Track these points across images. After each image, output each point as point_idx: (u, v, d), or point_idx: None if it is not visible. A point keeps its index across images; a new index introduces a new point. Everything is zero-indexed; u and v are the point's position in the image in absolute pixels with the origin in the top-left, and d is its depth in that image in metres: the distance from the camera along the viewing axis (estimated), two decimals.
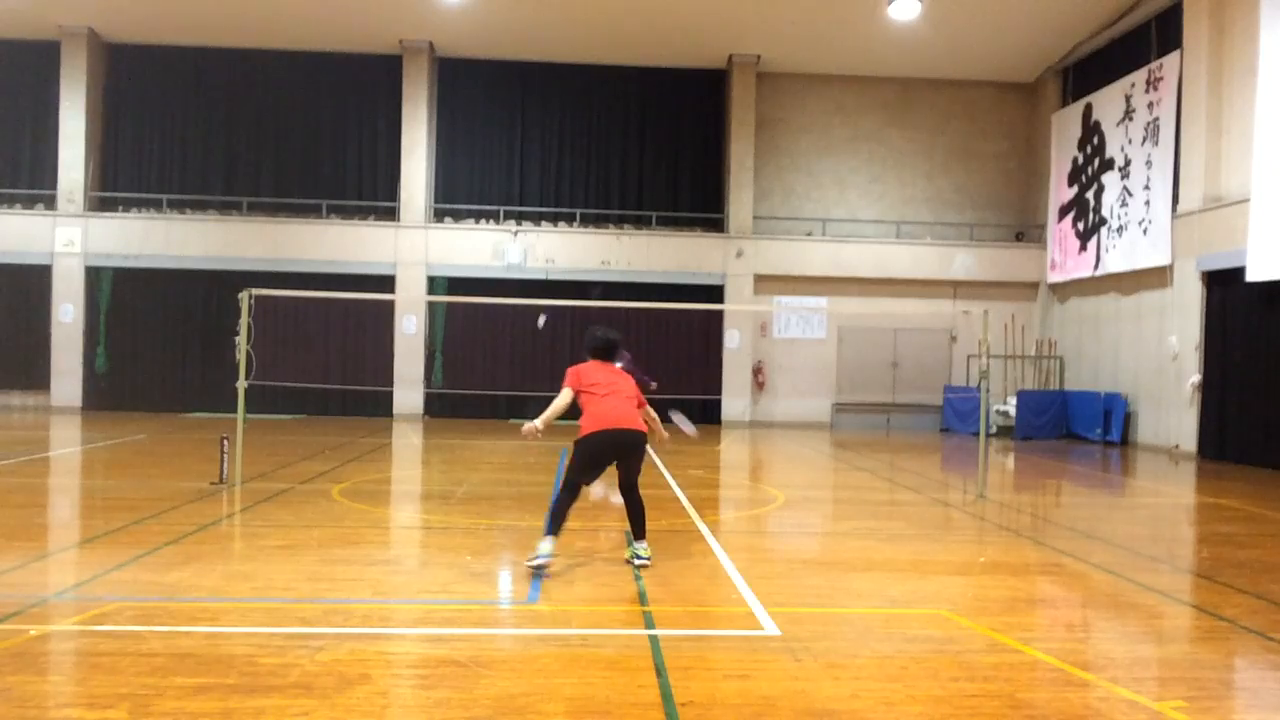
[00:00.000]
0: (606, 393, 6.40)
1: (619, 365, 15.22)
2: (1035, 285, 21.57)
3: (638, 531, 6.57)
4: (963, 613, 5.50)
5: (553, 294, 19.26)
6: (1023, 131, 22.22)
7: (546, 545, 6.12)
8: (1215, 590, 6.34)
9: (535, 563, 6.07)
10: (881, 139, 22.12)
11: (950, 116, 22.14)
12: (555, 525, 6.22)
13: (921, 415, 21.25)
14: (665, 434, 7.05)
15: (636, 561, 6.41)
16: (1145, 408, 17.74)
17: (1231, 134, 15.69)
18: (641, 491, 6.60)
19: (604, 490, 9.39)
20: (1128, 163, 18.24)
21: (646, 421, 6.63)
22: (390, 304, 20.03)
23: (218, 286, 19.92)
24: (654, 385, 14.68)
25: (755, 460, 14.98)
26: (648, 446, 6.55)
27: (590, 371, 6.53)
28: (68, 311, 20.27)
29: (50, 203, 20.67)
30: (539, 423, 6.29)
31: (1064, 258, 20.55)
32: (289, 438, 15.47)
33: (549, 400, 6.34)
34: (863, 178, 22.14)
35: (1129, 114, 18.21)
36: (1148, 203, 17.52)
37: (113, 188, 21.15)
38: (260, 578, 5.94)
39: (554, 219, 21.60)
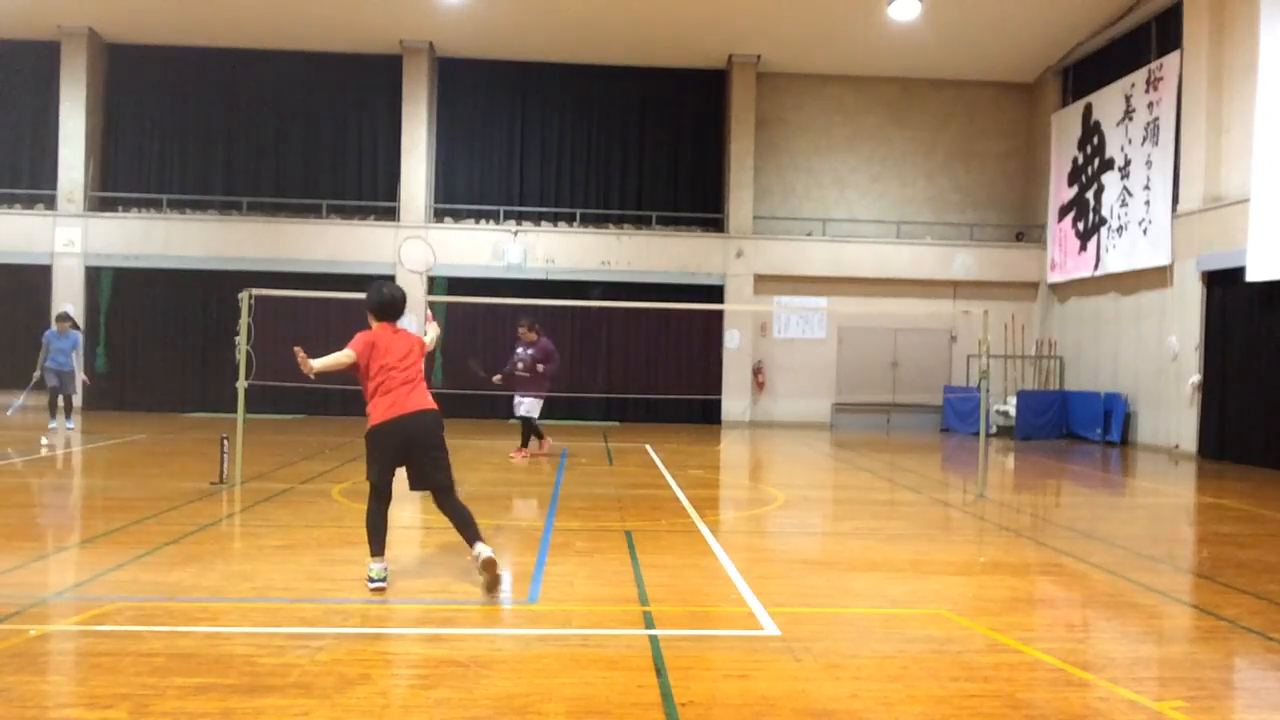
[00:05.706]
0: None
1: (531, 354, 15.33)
2: (1035, 285, 21.57)
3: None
4: (963, 613, 5.50)
5: (553, 294, 19.26)
6: (1023, 131, 22.22)
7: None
8: (1215, 590, 6.34)
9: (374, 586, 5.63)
10: (882, 139, 22.11)
11: (950, 116, 22.14)
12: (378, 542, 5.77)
13: (921, 415, 21.24)
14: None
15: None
16: (1145, 408, 17.74)
17: (1231, 134, 15.68)
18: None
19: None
20: (1128, 163, 18.24)
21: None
22: None
23: (218, 286, 19.89)
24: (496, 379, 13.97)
25: (755, 460, 14.98)
26: None
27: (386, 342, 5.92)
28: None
29: (50, 203, 20.66)
30: (314, 363, 5.89)
31: (1064, 258, 20.55)
32: (289, 438, 15.47)
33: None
34: (863, 177, 22.14)
35: (1129, 114, 18.20)
36: (1148, 203, 17.51)
37: (113, 188, 21.15)
38: (260, 578, 5.94)
39: (554, 219, 21.60)
